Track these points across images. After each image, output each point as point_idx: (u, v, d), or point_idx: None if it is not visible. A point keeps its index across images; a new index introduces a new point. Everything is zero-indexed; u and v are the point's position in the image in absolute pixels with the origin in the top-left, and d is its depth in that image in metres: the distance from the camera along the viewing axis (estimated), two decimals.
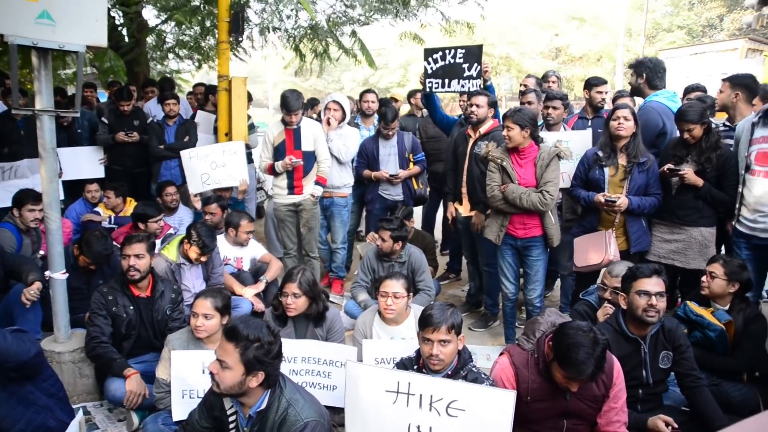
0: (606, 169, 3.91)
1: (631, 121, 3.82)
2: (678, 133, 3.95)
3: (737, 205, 3.69)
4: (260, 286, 4.27)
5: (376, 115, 5.99)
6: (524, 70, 22.26)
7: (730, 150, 3.81)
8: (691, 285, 3.88)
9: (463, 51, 4.85)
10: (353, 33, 7.06)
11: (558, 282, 5.14)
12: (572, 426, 2.60)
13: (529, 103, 4.77)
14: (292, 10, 6.34)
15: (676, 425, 2.71)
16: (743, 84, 4.12)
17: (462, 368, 2.59)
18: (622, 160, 3.89)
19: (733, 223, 3.74)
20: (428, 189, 6.20)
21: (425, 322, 2.54)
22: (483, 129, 4.46)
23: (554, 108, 4.53)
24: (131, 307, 3.48)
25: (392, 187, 5.49)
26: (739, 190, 3.67)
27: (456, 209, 4.79)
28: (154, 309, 3.55)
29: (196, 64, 10.60)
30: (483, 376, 2.57)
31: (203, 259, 4.04)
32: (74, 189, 5.81)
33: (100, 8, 3.17)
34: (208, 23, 8.16)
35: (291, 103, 4.73)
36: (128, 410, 3.20)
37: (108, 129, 6.03)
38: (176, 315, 3.64)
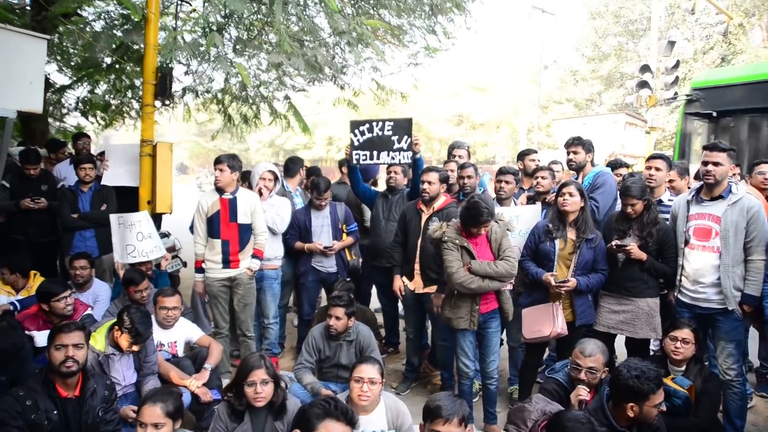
0: (556, 242, 4.01)
1: (576, 196, 3.97)
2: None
3: (678, 277, 3.92)
4: (205, 375, 3.81)
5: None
6: (433, 136, 23.32)
7: (667, 224, 4.06)
8: (638, 353, 4.01)
9: (392, 123, 4.85)
10: (287, 97, 6.95)
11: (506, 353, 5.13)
12: None
13: (468, 177, 4.80)
14: (225, 73, 6.13)
15: None
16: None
17: None
18: (571, 234, 4.02)
19: (676, 293, 3.96)
20: (361, 260, 6.03)
21: (435, 414, 2.36)
22: (436, 205, 4.44)
23: (506, 182, 4.59)
24: (55, 412, 2.94)
25: (325, 259, 5.27)
26: (680, 262, 3.91)
27: (404, 283, 4.66)
28: (83, 411, 3.03)
29: (102, 122, 9.86)
30: None
31: (135, 348, 3.57)
32: None
33: (36, 69, 2.81)
34: (121, 83, 7.70)
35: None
36: None
37: (10, 194, 5.36)
38: (109, 416, 3.14)
